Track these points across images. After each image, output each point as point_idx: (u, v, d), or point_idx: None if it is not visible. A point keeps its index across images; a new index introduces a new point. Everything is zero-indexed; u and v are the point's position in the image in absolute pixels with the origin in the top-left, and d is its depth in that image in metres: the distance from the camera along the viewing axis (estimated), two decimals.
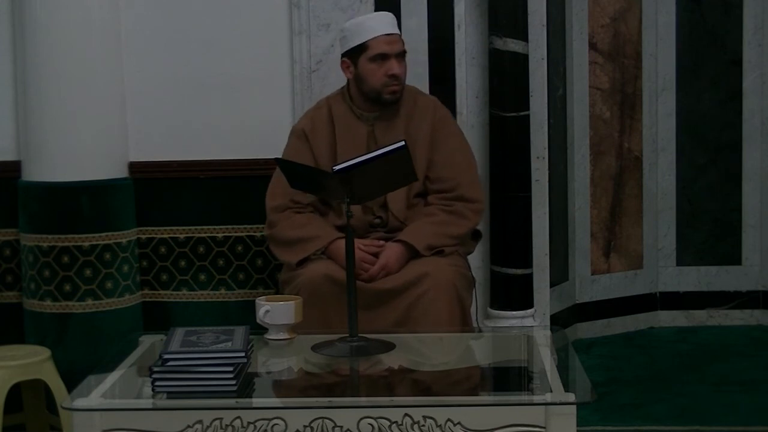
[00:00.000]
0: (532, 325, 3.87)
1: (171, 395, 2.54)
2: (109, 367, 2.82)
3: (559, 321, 4.30)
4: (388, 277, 3.34)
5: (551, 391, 2.54)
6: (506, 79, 3.87)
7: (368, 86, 3.48)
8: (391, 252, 3.38)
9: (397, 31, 3.50)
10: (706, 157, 4.74)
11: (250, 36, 3.93)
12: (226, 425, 2.47)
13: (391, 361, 2.88)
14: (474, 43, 3.97)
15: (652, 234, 4.76)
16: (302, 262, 3.40)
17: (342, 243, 3.14)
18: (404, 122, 3.53)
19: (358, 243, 3.32)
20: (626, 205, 4.72)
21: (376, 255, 3.38)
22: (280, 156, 3.41)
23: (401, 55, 3.47)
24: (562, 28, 4.46)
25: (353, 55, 3.48)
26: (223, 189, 3.97)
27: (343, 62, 3.53)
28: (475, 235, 3.65)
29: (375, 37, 3.44)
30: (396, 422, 2.46)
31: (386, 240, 3.44)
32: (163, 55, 3.95)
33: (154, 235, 4.00)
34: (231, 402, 2.51)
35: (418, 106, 3.57)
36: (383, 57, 3.44)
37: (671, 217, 4.76)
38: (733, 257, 4.75)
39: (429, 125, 3.53)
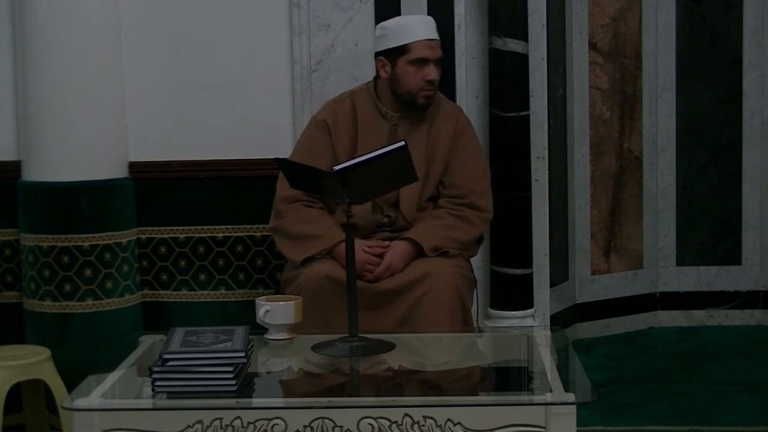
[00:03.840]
0: (532, 325, 3.88)
1: (171, 395, 2.54)
2: (109, 367, 2.82)
3: (559, 321, 4.30)
4: (390, 278, 3.34)
5: (551, 391, 2.54)
6: (506, 79, 3.87)
7: (403, 88, 3.47)
8: (397, 251, 3.38)
9: (437, 36, 3.49)
10: (706, 157, 4.74)
11: (250, 36, 3.93)
12: (226, 425, 2.47)
13: (391, 361, 2.88)
14: (474, 43, 3.97)
15: (652, 234, 4.75)
16: (306, 261, 3.40)
17: None
18: (427, 125, 3.53)
19: (362, 245, 3.33)
20: (626, 205, 4.72)
21: (380, 256, 3.38)
22: (280, 155, 3.40)
23: (439, 61, 3.48)
24: (562, 28, 4.46)
25: (391, 55, 3.48)
26: (223, 189, 3.97)
27: (378, 60, 3.52)
28: (478, 239, 3.65)
29: (417, 41, 3.44)
30: (396, 422, 2.46)
31: (391, 240, 3.44)
32: (163, 55, 3.95)
33: (154, 235, 4.00)
34: (231, 402, 2.51)
35: (442, 110, 3.57)
36: (423, 62, 3.44)
37: (671, 217, 4.76)
38: (733, 257, 4.75)
39: (451, 131, 3.54)
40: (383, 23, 3.57)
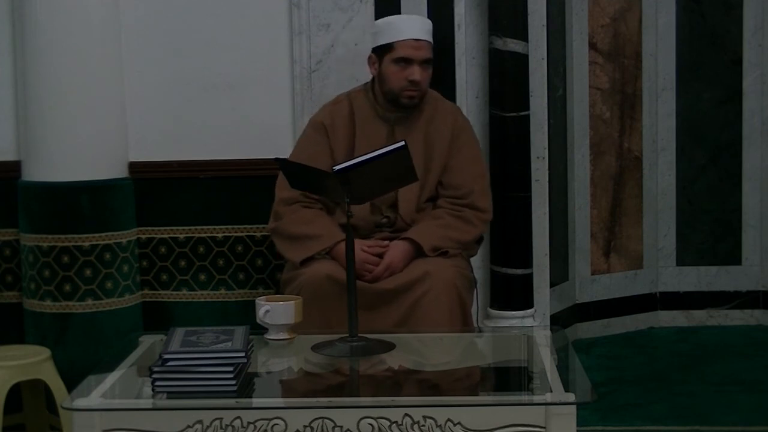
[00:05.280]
0: (532, 325, 3.88)
1: (171, 395, 2.54)
2: (109, 367, 2.82)
3: (559, 321, 4.30)
4: (390, 277, 3.34)
5: (551, 391, 2.54)
6: (506, 79, 3.87)
7: (387, 86, 3.48)
8: (397, 251, 3.38)
9: (426, 37, 3.47)
10: (706, 157, 4.74)
11: (250, 36, 3.93)
12: (226, 425, 2.47)
13: (391, 361, 2.88)
14: (474, 43, 3.97)
15: (652, 234, 4.75)
16: (305, 261, 3.40)
17: None
18: (424, 126, 3.53)
19: (362, 244, 3.33)
20: (626, 205, 4.73)
21: (380, 256, 3.38)
22: (280, 155, 3.39)
23: (426, 62, 3.46)
24: (562, 28, 4.46)
25: (379, 52, 3.48)
26: (223, 189, 3.97)
27: (370, 57, 3.53)
28: (478, 239, 3.65)
29: (402, 40, 3.44)
30: (396, 422, 2.46)
31: (390, 240, 3.44)
32: (163, 55, 3.95)
33: (154, 235, 4.00)
34: (231, 402, 2.51)
35: (440, 111, 3.57)
36: (407, 61, 3.43)
37: (671, 217, 4.76)
38: (733, 257, 4.75)
39: (449, 131, 3.54)
40: (379, 20, 3.59)
